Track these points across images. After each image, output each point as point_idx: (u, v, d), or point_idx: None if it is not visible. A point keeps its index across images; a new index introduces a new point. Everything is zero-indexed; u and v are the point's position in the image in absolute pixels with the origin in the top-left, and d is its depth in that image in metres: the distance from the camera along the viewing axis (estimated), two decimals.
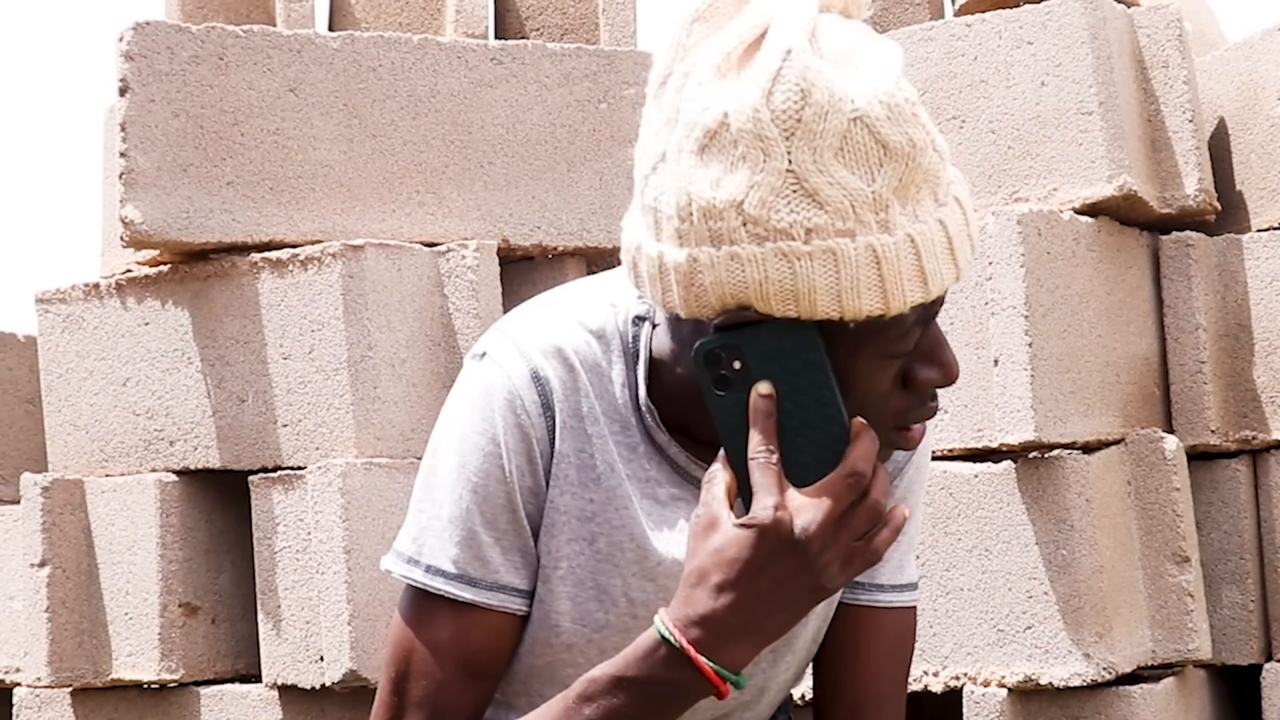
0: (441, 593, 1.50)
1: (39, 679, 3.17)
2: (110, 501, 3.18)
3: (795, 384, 1.35)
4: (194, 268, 3.14)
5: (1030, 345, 2.70)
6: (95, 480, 3.21)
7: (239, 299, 3.08)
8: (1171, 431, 2.96)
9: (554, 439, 1.51)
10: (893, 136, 1.31)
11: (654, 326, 1.52)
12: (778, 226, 1.31)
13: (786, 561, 1.32)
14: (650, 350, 1.52)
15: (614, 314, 1.54)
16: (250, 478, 3.07)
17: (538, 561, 1.53)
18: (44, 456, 3.52)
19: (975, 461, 2.81)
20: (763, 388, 1.35)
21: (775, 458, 1.33)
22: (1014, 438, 2.70)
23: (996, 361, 2.73)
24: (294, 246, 3.08)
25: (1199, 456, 2.96)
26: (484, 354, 1.53)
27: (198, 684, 3.15)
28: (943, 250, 1.35)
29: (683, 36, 1.39)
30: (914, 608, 1.68)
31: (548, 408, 1.50)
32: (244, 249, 3.12)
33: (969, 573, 2.78)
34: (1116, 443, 2.84)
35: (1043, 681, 2.69)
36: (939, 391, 1.48)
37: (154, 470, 3.17)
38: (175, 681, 3.12)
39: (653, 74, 1.42)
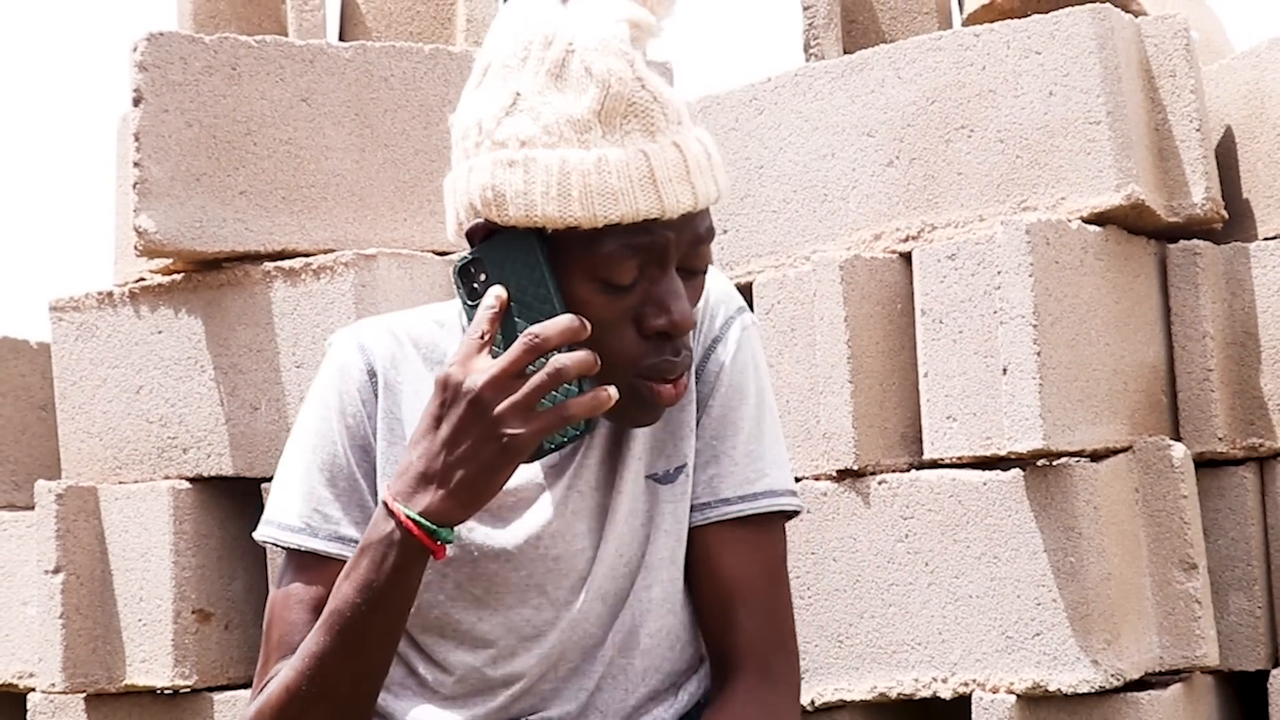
0: (288, 544, 1.66)
1: (53, 685, 3.19)
2: (124, 508, 3.20)
3: (522, 287, 1.52)
4: (207, 276, 3.16)
5: (1039, 354, 2.71)
6: (109, 487, 3.23)
7: (252, 307, 3.10)
8: (1179, 439, 2.97)
9: (378, 398, 1.67)
10: (597, 65, 1.51)
11: None
12: (499, 139, 1.52)
13: (460, 411, 1.48)
14: None
15: (461, 310, 1.69)
16: (263, 485, 3.09)
17: None
18: (56, 462, 3.54)
19: (984, 469, 2.83)
20: (495, 290, 1.52)
21: (479, 334, 1.50)
22: (1022, 446, 2.71)
23: (1005, 370, 2.74)
24: (306, 255, 3.10)
25: (1206, 464, 2.97)
26: (330, 344, 1.73)
27: (211, 690, 3.17)
28: (639, 177, 1.50)
29: None
30: (774, 514, 1.72)
31: (372, 373, 1.67)
32: (257, 258, 3.14)
33: (978, 580, 2.80)
34: (1124, 450, 2.85)
35: (1051, 688, 2.70)
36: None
37: (167, 477, 3.19)
38: (188, 687, 3.14)
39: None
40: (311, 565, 1.66)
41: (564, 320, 1.48)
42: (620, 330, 1.55)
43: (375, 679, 1.58)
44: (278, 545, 1.67)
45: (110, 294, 3.28)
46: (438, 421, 1.50)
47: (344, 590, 1.54)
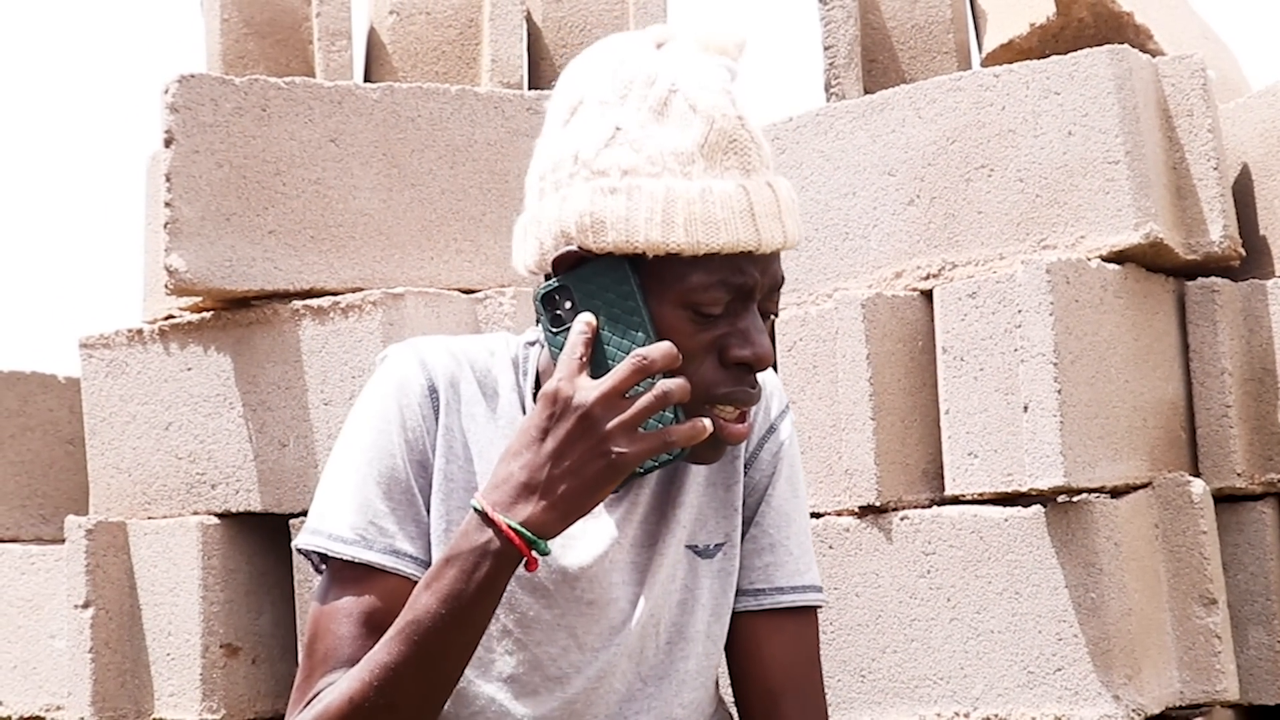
0: (341, 555, 1.64)
1: (82, 718, 3.21)
2: (153, 543, 3.23)
3: (613, 314, 1.55)
4: (236, 314, 3.19)
5: (1059, 391, 2.74)
6: (138, 523, 3.26)
7: (280, 345, 3.14)
8: (1198, 475, 2.99)
9: (439, 415, 1.68)
10: (701, 102, 1.56)
11: (541, 348, 1.72)
12: (599, 168, 1.56)
13: (569, 425, 1.50)
14: (538, 366, 1.72)
15: (509, 340, 1.76)
16: (291, 520, 3.11)
17: (430, 532, 1.67)
18: (83, 496, 3.57)
19: (1005, 506, 2.85)
20: (584, 317, 1.55)
21: (578, 354, 1.52)
22: (1043, 482, 2.74)
23: (1026, 408, 2.77)
24: (335, 294, 3.13)
25: (1225, 499, 2.99)
26: (385, 357, 1.74)
27: None
28: (740, 210, 1.55)
29: None
30: (814, 609, 1.79)
31: (433, 390, 1.68)
32: (285, 296, 3.17)
33: (1000, 615, 2.82)
34: (1144, 486, 2.87)
35: None
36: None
37: (196, 513, 3.22)
38: None
39: None
40: (363, 578, 1.64)
41: (666, 345, 1.51)
42: (702, 360, 1.58)
43: (445, 693, 1.57)
44: (330, 555, 1.65)
45: (140, 331, 3.31)
46: (544, 434, 1.51)
47: (425, 600, 1.52)
